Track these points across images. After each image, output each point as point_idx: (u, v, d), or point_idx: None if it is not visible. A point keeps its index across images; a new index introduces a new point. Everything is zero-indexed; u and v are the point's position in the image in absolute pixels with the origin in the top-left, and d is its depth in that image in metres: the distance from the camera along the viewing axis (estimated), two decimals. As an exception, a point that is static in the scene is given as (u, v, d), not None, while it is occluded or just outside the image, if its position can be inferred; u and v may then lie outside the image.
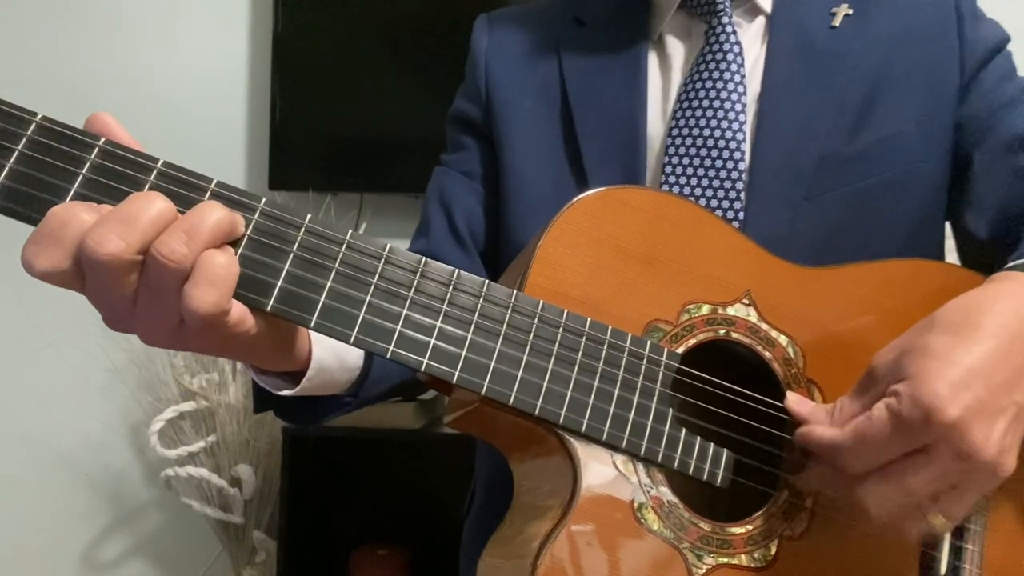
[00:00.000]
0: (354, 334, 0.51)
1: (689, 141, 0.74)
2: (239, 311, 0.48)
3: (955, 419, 0.49)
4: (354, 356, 0.68)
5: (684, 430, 0.59)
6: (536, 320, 0.56)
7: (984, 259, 0.74)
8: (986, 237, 0.75)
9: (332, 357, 0.64)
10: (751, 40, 0.79)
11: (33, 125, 0.47)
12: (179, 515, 1.88)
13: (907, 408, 0.50)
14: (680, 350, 0.60)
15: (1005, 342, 0.52)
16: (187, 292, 0.45)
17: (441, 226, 0.85)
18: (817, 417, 0.57)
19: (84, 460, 1.94)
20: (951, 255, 0.81)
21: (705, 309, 0.61)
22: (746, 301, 0.62)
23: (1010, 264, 0.61)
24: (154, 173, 0.48)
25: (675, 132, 0.76)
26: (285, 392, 0.63)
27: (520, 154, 0.82)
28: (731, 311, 0.62)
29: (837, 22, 0.77)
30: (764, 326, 0.62)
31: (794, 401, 0.59)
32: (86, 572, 1.94)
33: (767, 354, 0.62)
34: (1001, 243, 0.72)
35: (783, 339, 0.62)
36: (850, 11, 0.77)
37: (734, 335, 0.62)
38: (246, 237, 0.49)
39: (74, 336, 1.84)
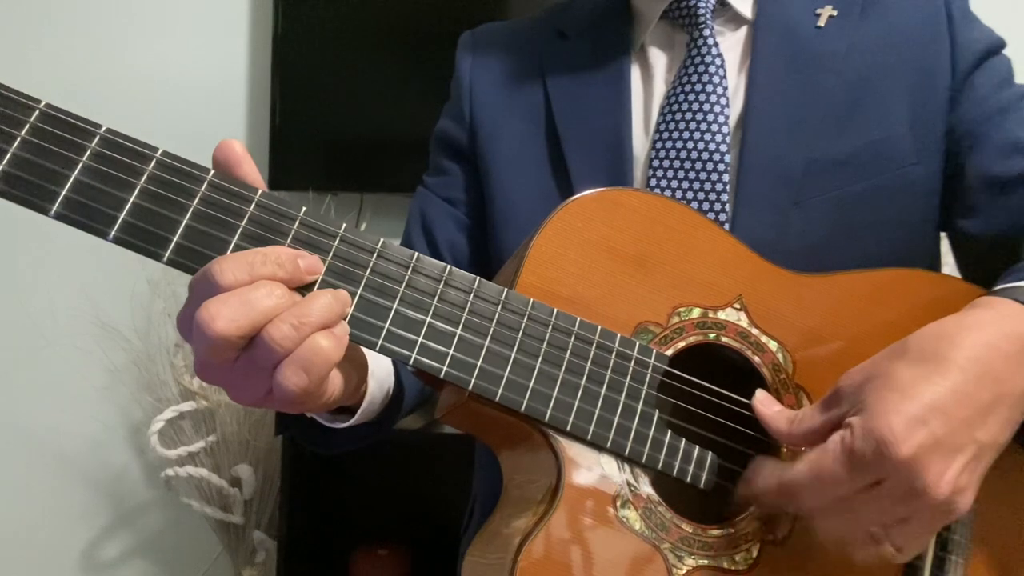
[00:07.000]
0: None
1: (673, 154, 0.74)
2: (333, 387, 0.51)
3: (907, 456, 0.48)
4: (388, 384, 0.70)
5: (669, 432, 0.58)
6: (525, 318, 0.56)
7: (982, 268, 0.73)
8: (983, 246, 0.74)
9: (378, 388, 0.66)
10: (735, 48, 0.79)
11: (36, 112, 0.48)
12: (179, 515, 1.88)
13: (859, 442, 0.49)
14: (669, 352, 0.60)
15: (972, 377, 0.51)
16: (280, 371, 0.47)
17: (423, 251, 0.85)
18: (778, 422, 0.57)
19: (84, 460, 1.94)
20: (948, 261, 0.81)
21: (696, 312, 0.61)
22: (737, 306, 0.62)
23: (996, 288, 0.59)
24: (153, 163, 0.49)
25: (659, 145, 0.75)
26: (338, 425, 0.65)
27: (507, 174, 0.82)
28: (722, 315, 0.62)
29: (822, 23, 0.76)
30: (755, 331, 0.62)
31: (760, 401, 0.58)
32: (86, 572, 1.94)
33: (756, 359, 0.62)
34: (999, 253, 0.70)
35: (773, 344, 0.62)
36: (834, 12, 0.76)
37: (724, 339, 0.61)
38: (241, 228, 0.50)
39: (74, 336, 1.85)
